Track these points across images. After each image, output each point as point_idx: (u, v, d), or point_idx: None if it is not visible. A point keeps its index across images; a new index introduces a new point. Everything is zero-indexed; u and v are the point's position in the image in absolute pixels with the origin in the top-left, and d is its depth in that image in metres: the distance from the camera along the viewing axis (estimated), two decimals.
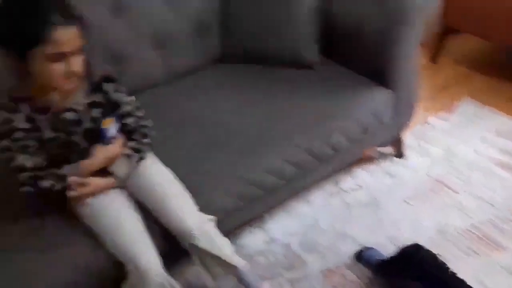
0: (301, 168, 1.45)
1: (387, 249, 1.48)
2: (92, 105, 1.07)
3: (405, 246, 1.34)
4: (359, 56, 1.59)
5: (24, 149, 0.99)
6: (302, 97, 1.53)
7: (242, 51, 1.70)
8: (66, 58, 0.92)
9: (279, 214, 1.69)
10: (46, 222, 1.12)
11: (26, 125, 0.99)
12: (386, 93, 1.55)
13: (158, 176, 1.19)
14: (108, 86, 1.09)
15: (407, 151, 1.90)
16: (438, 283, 1.21)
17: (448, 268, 1.25)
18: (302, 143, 1.41)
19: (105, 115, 1.08)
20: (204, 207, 1.24)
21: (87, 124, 1.07)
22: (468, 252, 1.49)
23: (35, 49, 0.89)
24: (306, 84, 1.58)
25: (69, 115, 1.04)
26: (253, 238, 1.60)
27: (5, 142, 0.98)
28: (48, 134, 1.02)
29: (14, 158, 0.99)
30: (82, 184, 1.05)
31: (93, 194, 1.08)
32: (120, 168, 1.11)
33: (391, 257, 1.36)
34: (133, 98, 1.14)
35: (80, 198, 1.07)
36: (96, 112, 1.08)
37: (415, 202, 1.70)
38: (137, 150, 1.15)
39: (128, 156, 1.12)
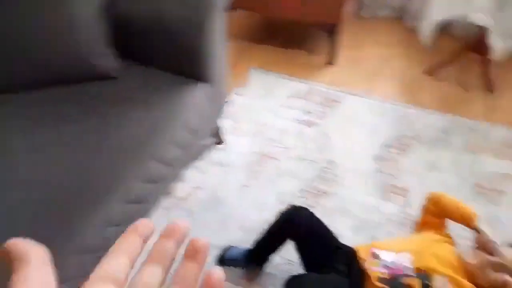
0: (142, 200, 1.23)
1: (243, 240, 1.48)
2: None
3: (282, 212, 1.33)
4: (164, 53, 1.39)
5: None
6: (115, 117, 1.25)
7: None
8: None
9: None
10: None
11: None
12: (205, 87, 1.44)
13: None
14: None
15: (224, 136, 1.90)
16: (318, 237, 1.27)
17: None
18: (139, 173, 1.17)
19: None
20: None
21: None
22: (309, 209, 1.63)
23: None
24: (113, 99, 1.30)
25: None
26: None
27: None
28: None
29: None
30: None
31: None
32: None
33: (270, 229, 1.34)
34: None
35: None
36: None
37: (250, 182, 1.74)
38: None
39: None
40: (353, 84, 2.27)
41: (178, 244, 0.28)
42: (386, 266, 1.25)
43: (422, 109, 2.12)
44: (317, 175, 1.77)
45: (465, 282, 1.25)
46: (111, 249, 0.27)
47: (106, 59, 1.35)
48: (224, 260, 1.44)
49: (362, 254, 1.29)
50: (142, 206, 1.24)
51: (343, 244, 1.34)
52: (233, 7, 2.35)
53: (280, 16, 2.31)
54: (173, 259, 0.28)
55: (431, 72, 2.34)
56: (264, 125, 2.00)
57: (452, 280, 1.23)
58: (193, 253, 0.28)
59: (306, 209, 1.31)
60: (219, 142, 1.89)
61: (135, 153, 1.18)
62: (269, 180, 1.75)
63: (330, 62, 2.38)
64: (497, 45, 2.03)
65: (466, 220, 1.36)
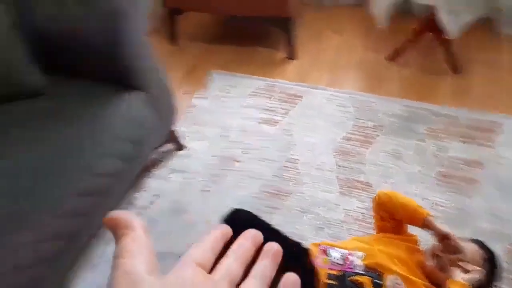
0: (86, 214, 1.21)
1: None
2: None
3: (224, 216, 1.28)
4: (89, 64, 1.36)
5: None
6: (48, 132, 1.22)
7: None
8: None
9: (84, 268, 1.42)
10: None
11: None
12: (138, 95, 1.41)
13: None
14: None
15: (185, 141, 1.88)
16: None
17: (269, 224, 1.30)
18: (73, 186, 1.16)
19: None
20: None
21: None
22: (270, 210, 1.60)
23: None
24: (44, 116, 1.27)
25: None
26: None
27: None
28: None
29: None
30: None
31: None
32: None
33: None
34: None
35: None
36: None
37: (212, 186, 1.71)
38: None
39: None
40: (315, 78, 2.24)
41: (255, 245, 0.32)
42: (336, 263, 1.23)
43: (386, 97, 2.09)
44: (278, 175, 1.74)
45: (417, 280, 1.21)
46: (198, 241, 0.31)
47: (31, 76, 1.32)
48: None
49: (313, 251, 1.27)
50: (85, 218, 1.22)
51: (294, 242, 1.31)
52: (181, 10, 2.33)
53: (229, 13, 2.30)
54: (250, 256, 0.31)
55: (393, 58, 2.30)
56: (225, 127, 1.97)
57: (404, 278, 1.20)
58: (269, 253, 0.32)
59: (246, 211, 1.28)
60: (180, 148, 1.86)
61: (61, 167, 1.16)
62: (230, 183, 1.72)
63: (290, 57, 2.35)
64: (448, 23, 1.99)
65: (415, 222, 1.28)
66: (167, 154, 1.84)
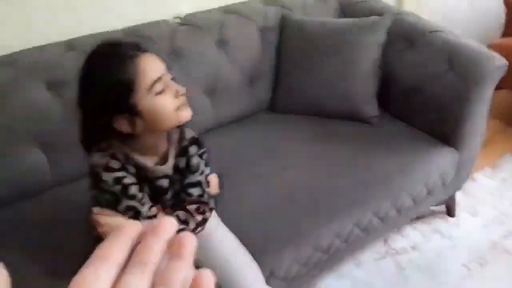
0: (367, 231, 1.35)
1: None
2: (175, 169, 0.98)
3: None
4: (422, 113, 1.53)
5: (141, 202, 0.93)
6: (365, 154, 1.44)
7: (294, 101, 1.64)
8: (167, 87, 0.87)
9: (329, 277, 1.56)
10: None
11: (134, 179, 0.91)
12: (452, 153, 1.48)
13: (223, 243, 1.09)
14: (193, 149, 0.99)
15: (457, 209, 1.81)
16: None
17: None
18: (371, 205, 1.31)
19: (183, 180, 0.99)
20: (269, 275, 1.14)
21: (176, 187, 0.99)
22: None
23: (135, 92, 0.83)
24: (367, 140, 1.51)
25: (163, 182, 0.96)
26: None
27: (126, 202, 0.90)
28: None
29: (140, 213, 0.91)
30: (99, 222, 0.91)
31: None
32: None
33: None
34: (208, 168, 1.04)
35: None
36: (177, 177, 0.99)
37: (475, 267, 1.59)
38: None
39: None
40: None
41: (166, 242, 0.26)
42: None
43: None
44: None
45: None
46: (99, 252, 0.24)
47: (370, 107, 1.57)
48: None
49: None
50: (366, 235, 1.36)
51: None
52: (501, 86, 2.23)
53: None
54: (158, 261, 0.25)
55: None
56: (505, 214, 1.80)
57: None
58: (178, 250, 0.25)
59: None
60: (450, 214, 1.81)
61: (371, 187, 1.33)
62: (499, 276, 1.56)
63: None
64: None
65: None
66: (436, 214, 1.82)
